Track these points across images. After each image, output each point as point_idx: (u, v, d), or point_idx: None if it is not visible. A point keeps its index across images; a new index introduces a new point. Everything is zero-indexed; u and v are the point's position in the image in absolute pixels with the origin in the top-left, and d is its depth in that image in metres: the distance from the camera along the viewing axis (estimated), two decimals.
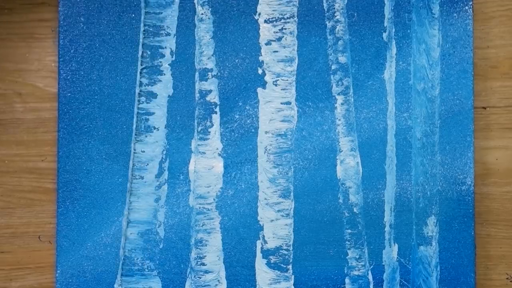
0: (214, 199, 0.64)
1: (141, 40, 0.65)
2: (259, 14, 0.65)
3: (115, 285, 0.64)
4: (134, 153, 0.64)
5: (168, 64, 0.65)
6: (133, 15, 0.65)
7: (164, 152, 0.64)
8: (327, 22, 0.65)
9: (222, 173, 0.65)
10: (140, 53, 0.65)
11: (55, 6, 0.67)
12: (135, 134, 0.64)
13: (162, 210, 0.64)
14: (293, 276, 0.64)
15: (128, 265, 0.64)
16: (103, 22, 0.65)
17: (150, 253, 0.64)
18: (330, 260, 0.64)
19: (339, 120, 0.65)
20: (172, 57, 0.65)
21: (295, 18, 0.65)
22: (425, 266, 0.64)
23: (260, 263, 0.64)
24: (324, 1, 0.65)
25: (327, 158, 0.65)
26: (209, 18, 0.65)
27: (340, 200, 0.64)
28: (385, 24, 0.65)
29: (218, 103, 0.65)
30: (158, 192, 0.64)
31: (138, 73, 0.65)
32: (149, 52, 0.65)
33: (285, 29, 0.65)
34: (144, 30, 0.65)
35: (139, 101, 0.65)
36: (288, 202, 0.64)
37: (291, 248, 0.64)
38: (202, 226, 0.64)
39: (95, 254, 0.64)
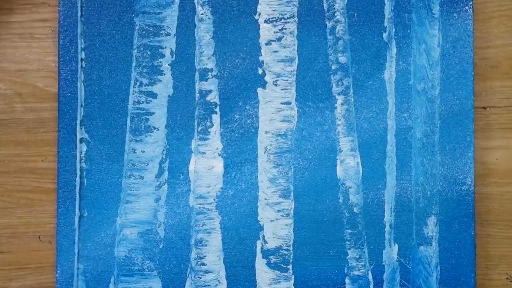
0: (214, 199, 0.64)
1: (135, 40, 0.65)
2: (259, 14, 0.65)
3: (110, 285, 0.64)
4: (134, 153, 0.64)
5: (168, 64, 0.65)
6: (133, 15, 0.65)
7: (164, 152, 0.64)
8: (327, 22, 0.65)
9: (222, 173, 0.65)
10: (134, 52, 0.65)
11: (55, 6, 0.67)
12: (132, 134, 0.64)
13: (162, 210, 0.64)
14: (293, 276, 0.64)
15: (128, 265, 0.64)
16: (103, 22, 0.65)
17: (150, 253, 0.64)
18: (330, 260, 0.64)
19: (339, 120, 0.65)
20: (172, 57, 0.65)
21: (295, 18, 0.65)
22: (425, 266, 0.64)
23: (260, 263, 0.64)
24: (324, 1, 0.65)
25: (327, 158, 0.65)
26: (209, 18, 0.65)
27: (340, 200, 0.64)
28: (385, 24, 0.65)
29: (218, 103, 0.65)
30: (158, 192, 0.64)
31: (133, 70, 0.65)
32: (149, 52, 0.65)
33: (285, 29, 0.65)
34: (140, 30, 0.65)
35: (138, 101, 0.65)
36: (288, 202, 0.64)
37: (291, 248, 0.64)
38: (202, 226, 0.64)
39: (95, 254, 0.64)
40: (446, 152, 0.65)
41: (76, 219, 0.64)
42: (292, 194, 0.64)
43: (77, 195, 0.64)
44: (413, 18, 0.65)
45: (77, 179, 0.64)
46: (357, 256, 0.64)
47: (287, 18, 0.65)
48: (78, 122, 0.64)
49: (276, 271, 0.64)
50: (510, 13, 0.68)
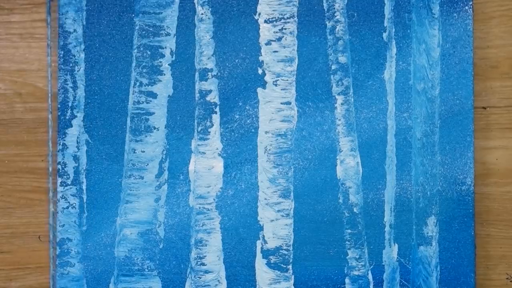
0: (214, 199, 0.64)
1: (135, 40, 0.65)
2: (259, 14, 0.65)
3: (110, 285, 0.64)
4: (134, 153, 0.64)
5: (168, 64, 0.65)
6: (133, 15, 0.65)
7: (164, 152, 0.64)
8: (327, 22, 0.65)
9: (222, 173, 0.65)
10: (134, 52, 0.65)
11: (55, 6, 0.67)
12: (132, 134, 0.64)
13: (162, 210, 0.64)
14: (293, 276, 0.64)
15: (128, 265, 0.64)
16: (103, 22, 0.65)
17: (150, 253, 0.64)
18: (330, 260, 0.64)
19: (339, 120, 0.65)
20: (172, 57, 0.65)
21: (295, 18, 0.65)
22: (425, 266, 0.64)
23: (260, 263, 0.64)
24: (324, 1, 0.65)
25: (327, 158, 0.65)
26: (209, 18, 0.65)
27: (340, 200, 0.64)
28: (385, 24, 0.65)
29: (218, 103, 0.65)
30: (158, 192, 0.64)
31: (133, 70, 0.65)
32: (149, 52, 0.65)
33: (285, 29, 0.65)
34: (140, 30, 0.65)
35: (138, 101, 0.65)
36: (288, 202, 0.64)
37: (291, 248, 0.64)
38: (202, 226, 0.64)
39: (95, 254, 0.64)
40: (446, 152, 0.65)
41: (77, 219, 0.64)
42: (292, 194, 0.64)
43: (77, 195, 0.64)
44: (413, 18, 0.65)
45: (77, 179, 0.64)
46: (357, 256, 0.64)
47: (287, 18, 0.65)
48: (78, 122, 0.64)
49: (276, 271, 0.64)
50: (510, 13, 0.68)
